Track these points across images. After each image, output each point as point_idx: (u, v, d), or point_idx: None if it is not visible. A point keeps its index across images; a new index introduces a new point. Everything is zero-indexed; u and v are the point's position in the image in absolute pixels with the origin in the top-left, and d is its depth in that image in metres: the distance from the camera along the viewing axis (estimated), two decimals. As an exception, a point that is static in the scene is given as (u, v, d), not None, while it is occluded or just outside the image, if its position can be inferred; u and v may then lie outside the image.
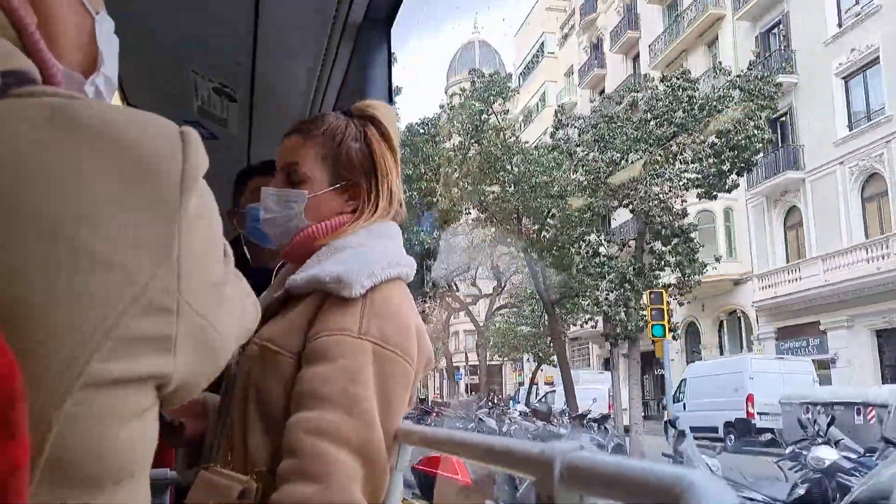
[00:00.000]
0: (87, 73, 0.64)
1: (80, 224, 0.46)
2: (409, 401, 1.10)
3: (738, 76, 15.53)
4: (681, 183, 14.00)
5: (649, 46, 29.71)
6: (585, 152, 14.77)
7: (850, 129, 19.91)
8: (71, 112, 0.49)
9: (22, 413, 0.42)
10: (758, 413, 15.89)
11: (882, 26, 18.73)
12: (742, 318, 24.13)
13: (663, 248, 14.70)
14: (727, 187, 14.65)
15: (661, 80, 15.92)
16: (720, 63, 24.47)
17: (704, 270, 15.44)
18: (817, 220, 20.77)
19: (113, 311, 0.47)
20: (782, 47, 22.47)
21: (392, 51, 2.09)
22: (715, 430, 16.98)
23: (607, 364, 29.99)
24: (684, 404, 18.44)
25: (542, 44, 42.58)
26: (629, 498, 0.54)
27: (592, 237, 16.03)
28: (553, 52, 41.78)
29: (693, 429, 14.95)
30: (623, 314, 14.25)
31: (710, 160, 13.54)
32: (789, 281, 21.31)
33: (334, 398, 0.98)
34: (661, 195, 13.74)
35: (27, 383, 0.43)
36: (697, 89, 14.46)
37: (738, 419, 16.21)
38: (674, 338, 20.05)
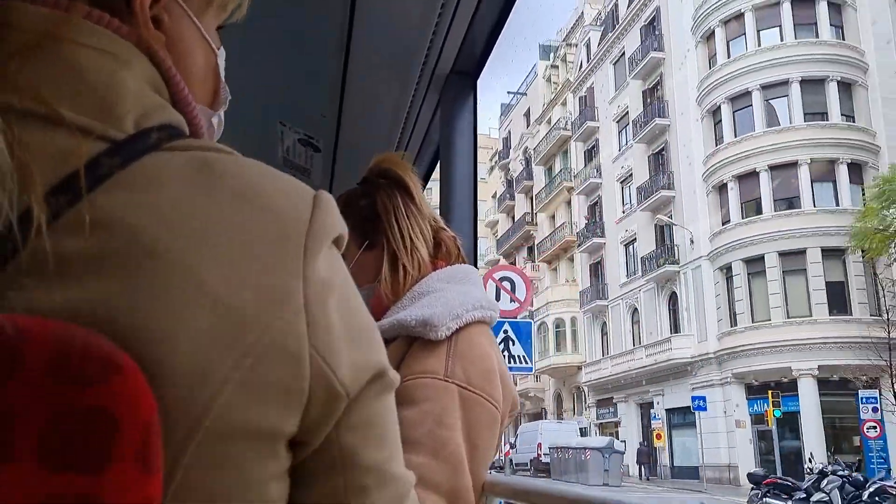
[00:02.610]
0: (210, 106, 0.66)
1: (207, 268, 0.47)
2: (496, 446, 1.09)
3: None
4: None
5: (536, 194, 42.21)
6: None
7: (627, 278, 32.24)
8: (217, 166, 0.51)
9: (158, 448, 0.42)
10: (544, 454, 27.72)
11: (636, 220, 31.27)
12: (584, 392, 35.98)
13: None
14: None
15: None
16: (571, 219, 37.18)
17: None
18: (613, 331, 32.92)
19: (233, 353, 0.46)
20: (599, 219, 35.01)
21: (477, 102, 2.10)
22: (527, 464, 28.80)
23: (537, 417, 41.91)
24: (517, 449, 30.23)
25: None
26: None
27: None
28: (484, 178, 54.00)
29: (518, 464, 27.04)
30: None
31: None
32: (599, 370, 33.28)
33: (421, 441, 0.98)
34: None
35: None
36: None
37: (533, 458, 28.08)
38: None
